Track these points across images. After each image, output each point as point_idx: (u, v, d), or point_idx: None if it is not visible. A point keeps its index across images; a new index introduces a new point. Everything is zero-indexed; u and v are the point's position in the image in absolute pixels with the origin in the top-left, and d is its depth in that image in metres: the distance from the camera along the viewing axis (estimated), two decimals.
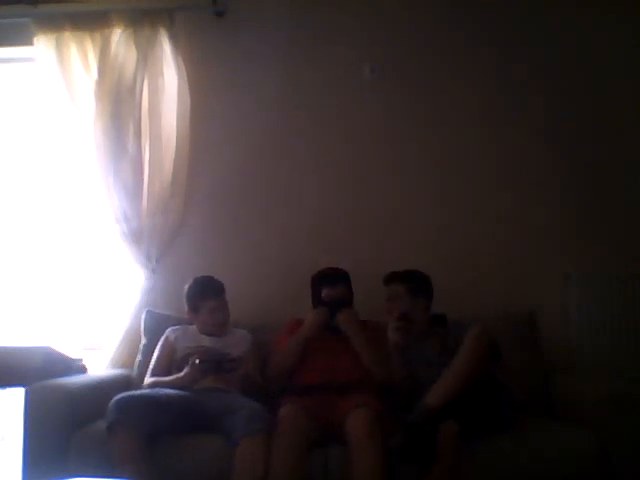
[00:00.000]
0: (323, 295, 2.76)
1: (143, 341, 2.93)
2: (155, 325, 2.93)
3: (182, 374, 2.50)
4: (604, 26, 3.20)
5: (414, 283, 2.72)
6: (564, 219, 3.15)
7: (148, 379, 2.62)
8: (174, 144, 3.20)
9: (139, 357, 2.89)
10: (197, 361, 2.44)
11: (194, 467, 2.21)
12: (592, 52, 3.21)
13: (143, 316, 2.97)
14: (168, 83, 3.21)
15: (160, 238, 3.18)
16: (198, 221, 3.26)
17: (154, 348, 2.81)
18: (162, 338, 2.75)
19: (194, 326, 2.76)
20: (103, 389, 2.57)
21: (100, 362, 3.07)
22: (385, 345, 2.68)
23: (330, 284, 2.76)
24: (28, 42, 3.25)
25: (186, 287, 2.78)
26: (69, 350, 2.89)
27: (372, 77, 3.25)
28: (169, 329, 2.78)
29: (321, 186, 3.25)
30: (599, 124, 3.18)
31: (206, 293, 2.72)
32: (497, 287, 3.07)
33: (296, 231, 3.21)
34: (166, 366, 2.63)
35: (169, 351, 2.69)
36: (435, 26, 3.27)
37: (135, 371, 2.86)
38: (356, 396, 2.39)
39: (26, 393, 2.35)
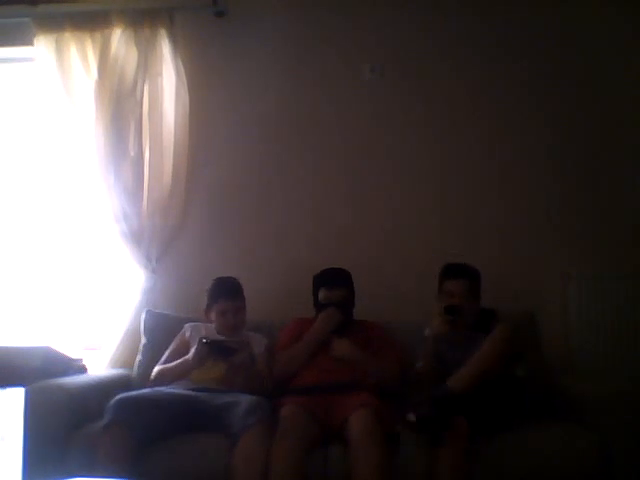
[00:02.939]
0: (320, 297, 2.75)
1: (143, 341, 2.93)
2: (155, 325, 2.93)
3: (189, 355, 2.54)
4: (604, 26, 3.19)
5: (477, 281, 2.69)
6: (564, 219, 3.15)
7: (156, 368, 2.64)
8: (174, 144, 3.20)
9: (139, 357, 2.89)
10: (204, 340, 2.49)
11: (194, 466, 2.21)
12: (592, 52, 3.20)
13: (143, 316, 2.97)
14: (168, 83, 3.22)
15: (160, 238, 3.19)
16: (198, 221, 3.26)
17: (154, 348, 2.83)
18: (180, 332, 2.77)
19: (212, 325, 2.76)
20: (103, 389, 2.58)
21: (100, 362, 3.07)
22: (387, 345, 2.69)
23: (328, 286, 2.75)
24: (28, 42, 3.25)
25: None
26: (69, 350, 2.89)
27: (372, 77, 3.26)
28: (188, 324, 2.80)
29: (321, 186, 3.25)
30: (599, 124, 3.18)
31: (219, 294, 2.72)
32: (497, 287, 3.06)
33: (296, 231, 3.22)
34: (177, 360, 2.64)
35: (183, 346, 2.70)
36: (435, 26, 3.27)
37: (135, 371, 2.86)
38: (356, 396, 2.39)
39: (26, 393, 2.35)
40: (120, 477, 2.03)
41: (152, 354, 2.81)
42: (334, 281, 2.77)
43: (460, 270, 2.67)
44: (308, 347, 2.64)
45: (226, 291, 2.73)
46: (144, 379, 2.70)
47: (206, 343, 2.49)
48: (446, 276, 2.68)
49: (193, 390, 2.45)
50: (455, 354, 2.46)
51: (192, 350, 2.55)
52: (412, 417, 2.13)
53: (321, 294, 2.75)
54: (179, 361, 2.59)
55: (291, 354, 2.64)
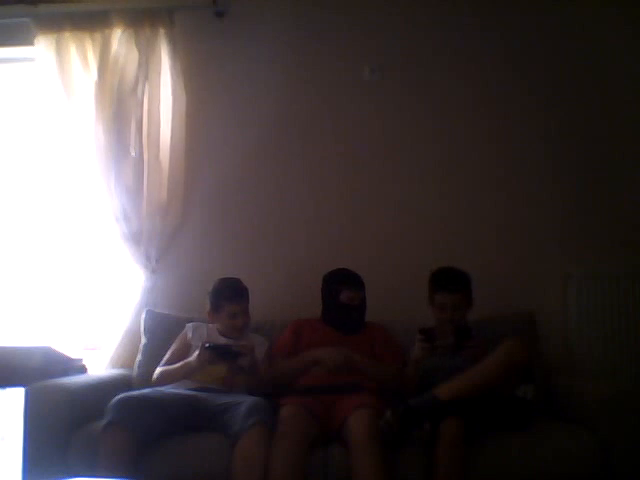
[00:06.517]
0: (343, 298, 2.72)
1: (143, 341, 2.93)
2: (155, 325, 2.93)
3: (191, 358, 2.54)
4: (605, 26, 3.19)
5: (468, 288, 2.65)
6: (564, 219, 3.15)
7: (158, 369, 2.64)
8: (173, 145, 3.20)
9: (139, 357, 2.89)
10: (207, 345, 2.48)
11: (194, 466, 2.21)
12: (592, 52, 3.20)
13: (143, 316, 2.97)
14: (168, 83, 3.21)
15: (160, 238, 3.19)
16: (198, 221, 3.26)
17: (154, 348, 2.83)
18: (181, 332, 2.77)
19: (214, 325, 2.76)
20: (103, 389, 2.57)
21: (100, 362, 3.07)
22: (389, 346, 2.70)
23: (352, 287, 2.73)
24: (28, 42, 3.25)
25: (212, 285, 2.75)
26: (69, 350, 2.89)
27: (372, 77, 3.25)
28: (189, 324, 2.79)
29: (321, 186, 3.25)
30: (599, 124, 3.18)
31: (230, 296, 2.70)
32: (497, 287, 3.06)
33: (296, 231, 3.22)
34: (179, 361, 2.63)
35: (184, 347, 2.70)
36: (435, 26, 3.27)
37: (135, 371, 2.86)
38: (356, 396, 2.39)
39: (26, 393, 2.35)
40: (120, 477, 2.03)
41: (152, 354, 2.81)
42: (356, 283, 2.75)
43: (450, 281, 2.63)
44: (304, 365, 2.62)
45: (235, 294, 2.71)
46: (144, 379, 2.71)
47: (209, 348, 2.48)
48: (436, 288, 2.65)
49: (194, 390, 2.45)
50: (439, 376, 2.42)
51: (195, 354, 2.54)
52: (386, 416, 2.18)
53: (344, 295, 2.72)
54: (181, 363, 2.59)
55: (283, 371, 2.64)
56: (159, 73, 3.21)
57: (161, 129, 3.19)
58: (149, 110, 3.19)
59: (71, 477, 1.73)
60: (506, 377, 2.31)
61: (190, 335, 2.74)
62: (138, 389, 2.52)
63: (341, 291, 2.73)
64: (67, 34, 3.22)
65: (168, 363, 2.66)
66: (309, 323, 2.79)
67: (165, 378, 2.58)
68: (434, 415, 2.15)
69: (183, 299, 3.11)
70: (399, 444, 2.18)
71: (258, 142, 3.28)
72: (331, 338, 2.69)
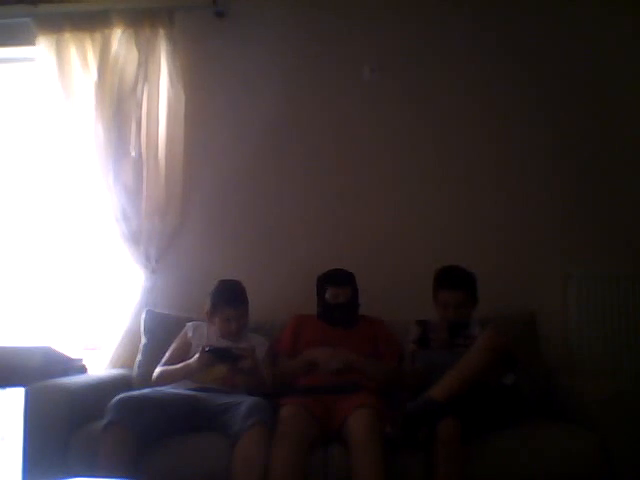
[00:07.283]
0: (328, 296, 2.76)
1: (143, 341, 2.93)
2: (155, 325, 2.93)
3: (191, 360, 2.54)
4: (605, 25, 3.19)
5: (473, 288, 2.65)
6: (564, 219, 3.15)
7: (158, 368, 2.64)
8: (172, 144, 3.20)
9: (139, 357, 2.90)
10: (207, 348, 2.48)
11: (194, 466, 2.21)
12: (593, 52, 3.20)
13: (143, 316, 2.97)
14: (167, 84, 3.21)
15: (160, 238, 3.19)
16: (197, 221, 3.26)
17: (154, 348, 2.83)
18: (182, 332, 2.77)
19: (215, 325, 2.76)
20: (103, 389, 2.58)
21: (100, 362, 3.07)
22: (388, 342, 2.71)
23: (336, 285, 2.76)
24: (29, 42, 3.26)
25: (213, 287, 2.75)
26: (69, 350, 2.89)
27: (372, 77, 3.25)
28: (190, 323, 2.79)
29: (320, 186, 3.25)
30: (599, 124, 3.18)
31: (227, 300, 2.70)
32: (497, 287, 3.06)
33: (295, 231, 3.22)
34: (179, 360, 2.64)
35: (184, 346, 2.71)
36: (435, 26, 3.27)
37: (135, 371, 2.86)
38: (356, 396, 2.39)
39: (26, 393, 2.35)
40: (120, 477, 2.03)
41: (152, 354, 2.82)
42: (341, 281, 2.77)
43: (455, 280, 2.63)
44: (303, 367, 2.63)
45: (231, 298, 2.71)
46: (144, 379, 2.71)
47: (208, 351, 2.48)
48: (441, 286, 2.66)
49: (194, 390, 2.45)
50: (437, 374, 2.40)
51: (196, 355, 2.54)
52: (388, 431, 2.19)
53: (328, 293, 2.76)
54: (181, 365, 2.59)
55: (283, 371, 2.65)
56: (159, 73, 3.21)
57: (160, 129, 3.20)
58: (149, 110, 3.19)
59: (71, 477, 1.73)
60: (491, 362, 2.31)
61: (190, 334, 2.74)
62: (138, 389, 2.52)
63: (326, 289, 2.76)
64: (67, 34, 3.23)
65: (168, 362, 2.67)
66: (309, 319, 2.80)
67: (165, 378, 2.58)
68: (432, 417, 2.15)
69: (183, 299, 3.11)
70: (405, 446, 2.19)
71: (258, 142, 3.28)
72: (331, 335, 2.70)
